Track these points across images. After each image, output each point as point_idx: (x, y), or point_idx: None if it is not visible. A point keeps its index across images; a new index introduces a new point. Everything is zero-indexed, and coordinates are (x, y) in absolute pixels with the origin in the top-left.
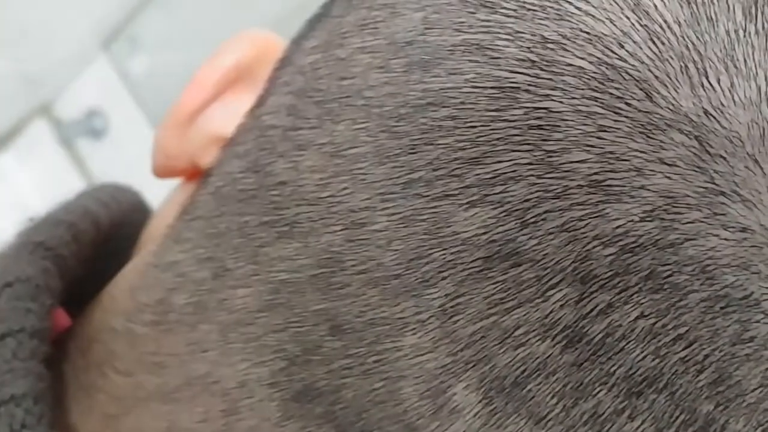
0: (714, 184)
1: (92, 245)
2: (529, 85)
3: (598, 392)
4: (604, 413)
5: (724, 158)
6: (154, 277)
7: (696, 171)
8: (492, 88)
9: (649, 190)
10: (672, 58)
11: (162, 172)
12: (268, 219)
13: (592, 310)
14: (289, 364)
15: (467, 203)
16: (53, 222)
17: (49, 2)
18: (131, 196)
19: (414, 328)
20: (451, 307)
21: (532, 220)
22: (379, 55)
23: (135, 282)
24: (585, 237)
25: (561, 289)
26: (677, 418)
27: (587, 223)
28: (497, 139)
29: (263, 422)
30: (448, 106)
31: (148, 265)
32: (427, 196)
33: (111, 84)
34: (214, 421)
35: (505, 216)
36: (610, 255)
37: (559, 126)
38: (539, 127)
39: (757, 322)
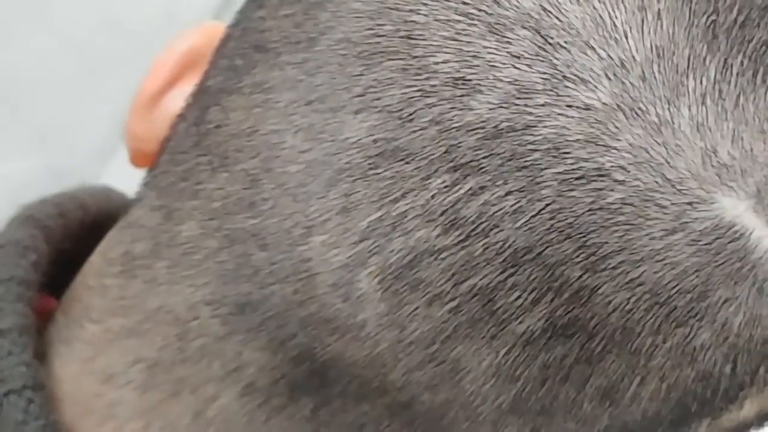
0: (557, 70)
1: (79, 224)
2: (397, 3)
3: (481, 268)
4: (489, 286)
5: (564, 47)
6: (119, 235)
7: (540, 60)
8: (369, 9)
9: (501, 81)
10: None
11: (136, 158)
12: (205, 159)
13: (465, 193)
14: (226, 281)
15: (355, 111)
16: (43, 201)
17: (74, 98)
18: (123, 196)
19: (320, 228)
20: (348, 204)
21: (408, 118)
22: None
23: (105, 245)
24: (453, 128)
25: (437, 177)
26: (552, 285)
27: (454, 115)
28: (375, 52)
29: (210, 340)
30: (337, 33)
31: (115, 228)
32: (324, 110)
33: (136, 174)
34: (171, 347)
35: (385, 118)
36: (476, 142)
37: (423, 34)
38: (408, 37)
39: (611, 190)
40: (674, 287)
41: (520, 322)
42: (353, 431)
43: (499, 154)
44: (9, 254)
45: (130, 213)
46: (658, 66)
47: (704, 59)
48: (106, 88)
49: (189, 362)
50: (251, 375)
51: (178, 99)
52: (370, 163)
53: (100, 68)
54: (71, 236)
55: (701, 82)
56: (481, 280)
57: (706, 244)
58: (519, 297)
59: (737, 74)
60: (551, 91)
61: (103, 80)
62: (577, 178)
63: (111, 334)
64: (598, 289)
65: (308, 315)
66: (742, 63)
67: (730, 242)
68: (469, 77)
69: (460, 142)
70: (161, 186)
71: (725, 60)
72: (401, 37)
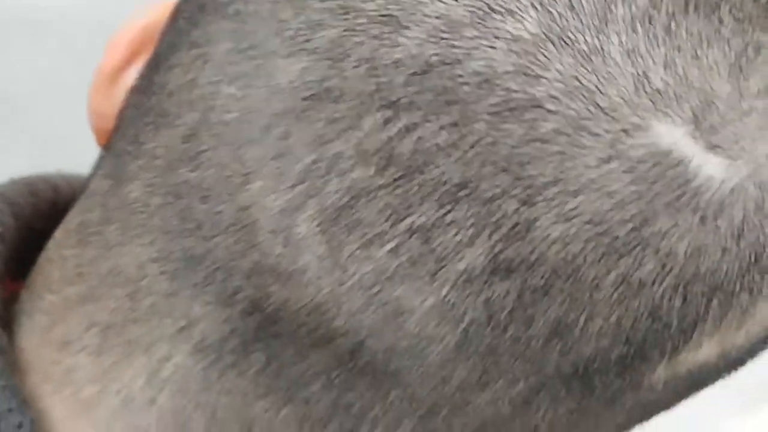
0: (483, 2)
1: (50, 204)
2: None
3: (418, 206)
4: (426, 224)
5: None
6: (77, 207)
7: None
8: None
9: (429, 16)
10: None
11: (100, 135)
12: (149, 119)
13: (398, 131)
14: (171, 237)
15: (286, 54)
16: (13, 181)
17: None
18: None
19: (258, 175)
20: (284, 148)
21: (338, 58)
22: None
23: (66, 218)
24: (382, 65)
25: (370, 116)
26: (490, 220)
27: (383, 53)
28: None
29: (159, 297)
30: None
31: (74, 202)
32: (257, 56)
33: None
34: (122, 308)
35: (316, 59)
36: (405, 78)
37: None
38: None
39: (544, 120)
40: (613, 217)
41: (460, 260)
42: (305, 383)
43: (429, 90)
44: None
45: (88, 186)
46: None
47: None
48: None
49: (140, 322)
50: (202, 331)
51: (135, 75)
52: (303, 106)
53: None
54: (42, 216)
55: (630, 9)
56: (418, 218)
57: (643, 172)
58: (457, 233)
59: (667, 1)
60: (479, 23)
61: None
62: (508, 110)
63: (68, 302)
64: (536, 221)
65: (251, 264)
66: None
67: (668, 170)
68: (395, 14)
69: (390, 80)
70: (112, 155)
71: None
72: None
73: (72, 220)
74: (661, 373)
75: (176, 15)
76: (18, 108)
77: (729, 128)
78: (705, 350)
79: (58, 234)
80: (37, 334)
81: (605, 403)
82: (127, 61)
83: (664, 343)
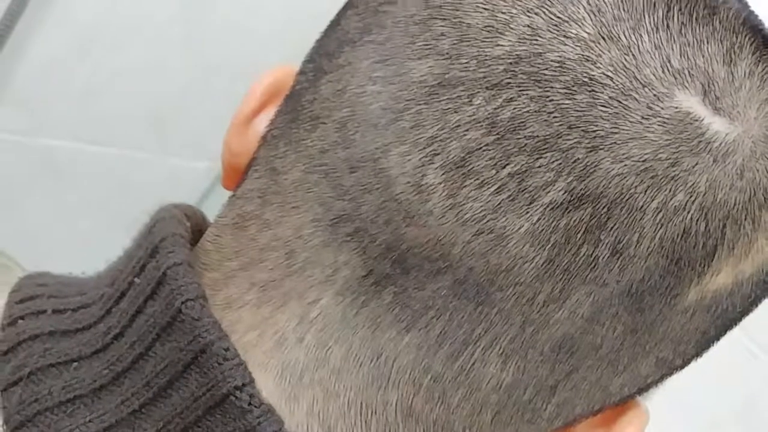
0: (555, 14)
1: (195, 225)
2: None
3: (515, 156)
4: (521, 169)
5: (559, 1)
6: (228, 208)
7: (543, 10)
8: None
9: (518, 24)
10: None
11: (228, 175)
12: (300, 126)
13: (500, 104)
14: (325, 203)
15: (417, 58)
16: (176, 204)
17: None
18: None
19: (397, 143)
20: (417, 122)
21: (455, 57)
22: None
23: (216, 221)
24: (486, 60)
25: (479, 95)
26: (567, 163)
27: (487, 51)
28: (428, 18)
29: (312, 251)
30: (398, 16)
31: (221, 210)
32: (394, 63)
33: None
34: (280, 266)
35: (439, 59)
36: (504, 67)
37: (462, 2)
38: (449, 4)
39: (601, 91)
40: (653, 158)
41: (546, 194)
42: (423, 311)
43: (521, 73)
44: (173, 220)
45: (231, 201)
46: (623, 6)
47: (654, 3)
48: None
49: (295, 275)
50: (345, 276)
51: (265, 121)
52: (429, 92)
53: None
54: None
55: (654, 18)
56: (515, 166)
57: (672, 126)
58: (544, 175)
59: (678, 13)
60: (553, 27)
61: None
62: (576, 85)
63: (228, 274)
64: (600, 163)
65: (389, 214)
66: (680, 8)
67: (688, 124)
68: (494, 24)
69: (492, 69)
70: (260, 167)
71: (669, 4)
72: (445, 6)
73: (225, 216)
74: (692, 297)
75: (314, 56)
76: None
77: (726, 99)
78: (723, 276)
79: (210, 231)
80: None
81: (650, 326)
82: (261, 107)
83: (693, 262)
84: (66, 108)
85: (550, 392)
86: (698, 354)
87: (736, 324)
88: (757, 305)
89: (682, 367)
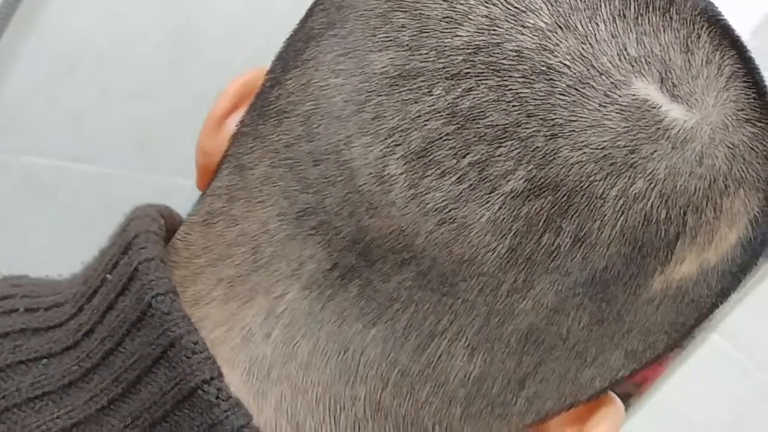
0: (512, 5)
1: (170, 225)
2: None
3: (475, 145)
4: (482, 158)
5: None
6: (198, 206)
7: (500, 1)
8: None
9: (477, 15)
10: None
11: (202, 170)
12: (267, 122)
13: (459, 94)
14: (290, 197)
15: (378, 50)
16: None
17: None
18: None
19: (359, 135)
20: (378, 113)
21: (415, 48)
22: None
23: (187, 218)
24: (446, 50)
25: (439, 85)
26: (527, 152)
27: (446, 42)
28: (388, 10)
29: (278, 246)
30: (359, 10)
31: (192, 207)
32: (356, 56)
33: None
34: (247, 261)
35: (399, 50)
36: (463, 57)
37: None
38: None
39: (559, 80)
40: (612, 145)
41: (507, 183)
42: (388, 304)
43: (480, 63)
44: (147, 218)
45: (201, 199)
46: None
47: None
48: None
49: (261, 269)
50: (310, 270)
51: (237, 121)
52: (390, 84)
53: None
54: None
55: (609, 8)
56: (476, 155)
57: (629, 113)
58: (504, 164)
59: (634, 3)
60: (510, 18)
61: None
62: (534, 74)
63: (196, 270)
64: (559, 151)
65: (352, 206)
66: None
67: (646, 112)
68: (452, 15)
69: (451, 59)
70: (228, 164)
71: None
72: None
73: (197, 213)
74: (656, 286)
75: (282, 54)
76: None
77: (684, 86)
78: (687, 265)
79: (181, 229)
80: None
81: (616, 316)
82: (233, 108)
83: (656, 250)
84: (52, 127)
85: (519, 385)
86: (669, 347)
87: (706, 316)
88: (725, 297)
89: (653, 360)
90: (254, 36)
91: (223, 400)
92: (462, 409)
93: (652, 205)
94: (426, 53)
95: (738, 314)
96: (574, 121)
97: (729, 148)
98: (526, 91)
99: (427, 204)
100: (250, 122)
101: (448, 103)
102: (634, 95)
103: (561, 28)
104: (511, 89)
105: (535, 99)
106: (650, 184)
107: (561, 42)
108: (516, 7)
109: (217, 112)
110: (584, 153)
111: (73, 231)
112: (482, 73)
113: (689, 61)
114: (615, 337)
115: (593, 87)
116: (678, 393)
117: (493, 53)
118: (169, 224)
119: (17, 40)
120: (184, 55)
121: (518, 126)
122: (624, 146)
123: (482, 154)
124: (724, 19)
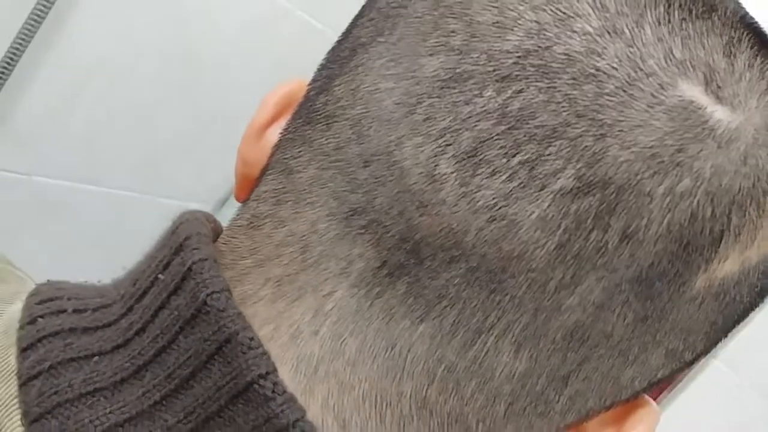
0: (561, 10)
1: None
2: None
3: (525, 145)
4: (532, 158)
5: None
6: (241, 211)
7: (550, 6)
8: None
9: (526, 21)
10: None
11: (242, 179)
12: (315, 126)
13: (509, 95)
14: (339, 198)
15: (429, 54)
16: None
17: None
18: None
19: (410, 136)
20: (429, 115)
21: (466, 52)
22: None
23: (229, 223)
24: (496, 54)
25: (489, 88)
26: (576, 151)
27: (497, 46)
28: (440, 17)
29: (327, 245)
30: (409, 17)
31: (235, 214)
32: (406, 61)
33: None
34: (295, 261)
35: (451, 54)
36: (513, 60)
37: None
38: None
39: (607, 82)
40: (659, 144)
41: (556, 182)
42: (437, 301)
43: (530, 66)
44: (196, 221)
45: (244, 205)
46: (625, 2)
47: (655, 0)
48: None
49: (310, 269)
50: (359, 268)
51: (278, 131)
52: (441, 86)
53: None
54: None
55: (655, 13)
56: (526, 154)
57: (676, 114)
58: (553, 163)
59: (678, 9)
60: (559, 23)
61: None
62: (583, 76)
63: (243, 271)
64: (607, 150)
65: (402, 205)
66: (680, 5)
67: (692, 112)
68: (502, 21)
69: (502, 63)
70: (274, 170)
71: (669, 0)
72: (455, 5)
73: (239, 219)
74: (700, 284)
75: (326, 64)
76: None
77: (728, 89)
78: (730, 263)
79: (225, 233)
80: (232, 284)
81: (660, 314)
82: (274, 118)
83: (701, 247)
84: (62, 147)
85: (563, 383)
86: (706, 348)
87: (744, 317)
88: (763, 297)
89: (691, 361)
90: (261, 59)
91: (278, 395)
92: (506, 407)
93: (698, 203)
94: (477, 57)
95: (740, 340)
96: (623, 121)
97: None
98: (575, 92)
99: (478, 202)
100: (295, 129)
101: (499, 105)
102: (680, 96)
103: (608, 32)
104: (560, 91)
105: (584, 100)
106: (696, 182)
107: (609, 45)
108: (564, 13)
109: (257, 122)
110: (632, 152)
111: (81, 250)
112: (532, 75)
113: (732, 65)
114: (657, 336)
115: (641, 89)
116: (679, 418)
117: (543, 57)
118: (212, 228)
119: (32, 66)
120: (194, 75)
121: (568, 126)
122: (671, 145)
123: (532, 153)
124: (760, 26)
